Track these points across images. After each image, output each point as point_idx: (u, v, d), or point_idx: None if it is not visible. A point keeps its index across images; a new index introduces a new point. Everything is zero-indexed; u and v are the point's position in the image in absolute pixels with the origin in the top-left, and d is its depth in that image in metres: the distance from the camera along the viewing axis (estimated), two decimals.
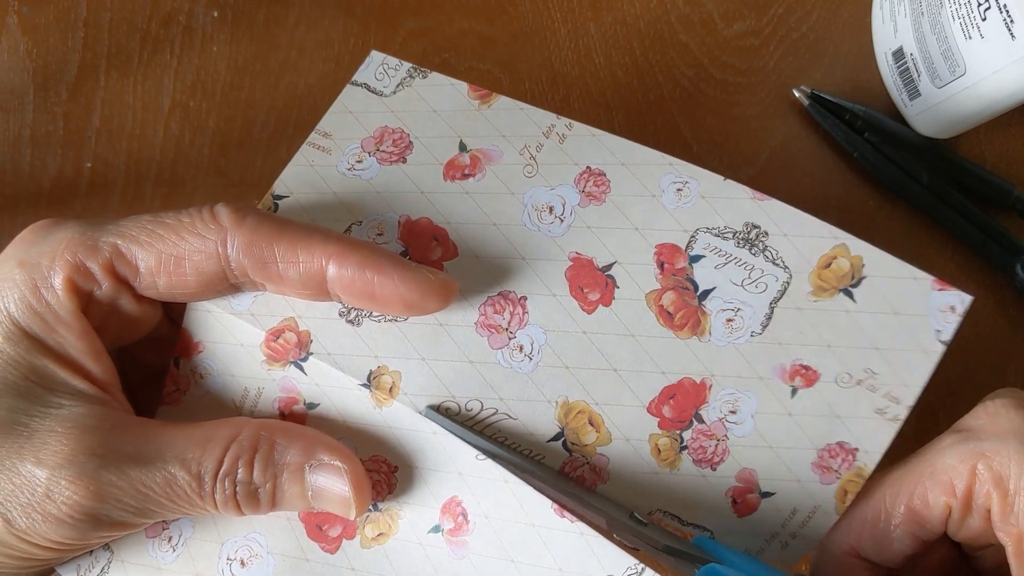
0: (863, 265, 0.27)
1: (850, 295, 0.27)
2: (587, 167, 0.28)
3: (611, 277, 0.27)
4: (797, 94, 0.38)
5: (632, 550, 0.24)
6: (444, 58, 0.39)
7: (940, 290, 0.27)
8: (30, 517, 0.23)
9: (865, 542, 0.26)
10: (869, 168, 0.38)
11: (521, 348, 0.27)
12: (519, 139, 0.29)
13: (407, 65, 0.30)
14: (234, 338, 0.27)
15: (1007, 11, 0.30)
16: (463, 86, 0.29)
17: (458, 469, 0.26)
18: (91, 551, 0.27)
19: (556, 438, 0.26)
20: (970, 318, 0.38)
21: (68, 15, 0.39)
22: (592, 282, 0.27)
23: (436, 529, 0.26)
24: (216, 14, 0.39)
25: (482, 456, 0.25)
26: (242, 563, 0.27)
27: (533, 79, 0.39)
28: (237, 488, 0.24)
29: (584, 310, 0.27)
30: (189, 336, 0.27)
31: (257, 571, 0.27)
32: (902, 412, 0.27)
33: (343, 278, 0.25)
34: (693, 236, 0.27)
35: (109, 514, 0.24)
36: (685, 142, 0.38)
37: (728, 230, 0.27)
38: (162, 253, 0.25)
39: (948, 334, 0.27)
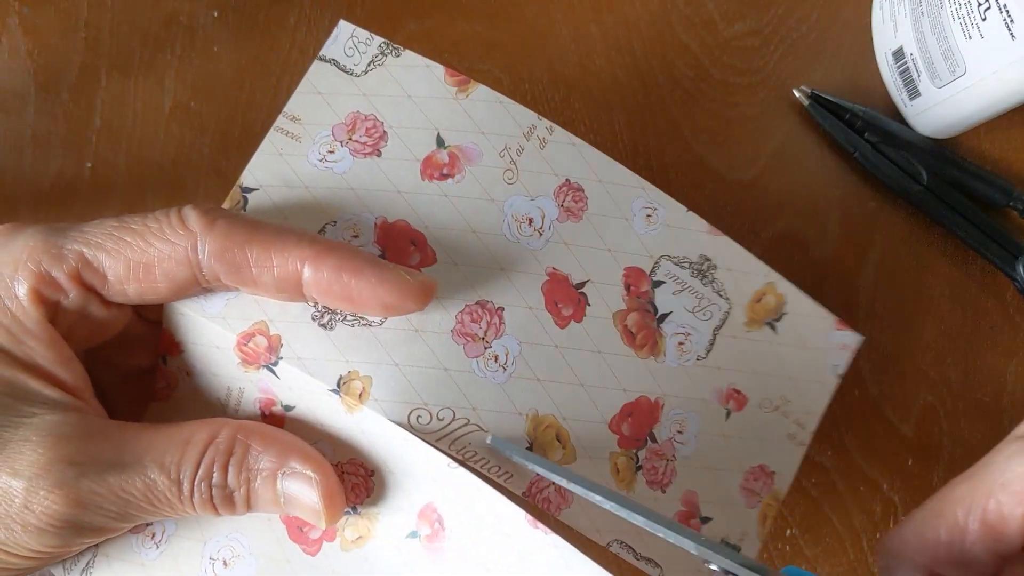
0: (785, 302, 0.30)
1: (773, 328, 0.30)
2: (566, 180, 0.28)
3: (583, 295, 0.28)
4: (797, 94, 0.38)
5: (613, 560, 0.24)
6: (445, 60, 0.39)
7: (839, 329, 0.30)
8: (9, 528, 0.23)
9: (943, 564, 0.25)
10: (869, 168, 0.38)
11: (496, 358, 0.26)
12: (499, 138, 0.28)
13: (378, 40, 0.29)
14: (209, 340, 0.26)
15: (1007, 11, 0.30)
16: (439, 69, 0.29)
17: (432, 476, 0.25)
18: None
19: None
20: (970, 318, 0.38)
21: (69, 16, 0.39)
22: (566, 298, 0.27)
23: (413, 535, 0.26)
24: (217, 15, 0.39)
25: (454, 464, 0.25)
26: (224, 563, 0.27)
27: (534, 81, 0.39)
28: (213, 491, 0.24)
29: (557, 324, 0.27)
30: (170, 335, 0.27)
31: (240, 571, 0.27)
32: (807, 437, 0.30)
33: (319, 281, 0.24)
34: (657, 263, 0.29)
35: (91, 521, 0.24)
36: (685, 142, 0.38)
37: (685, 260, 0.29)
38: (130, 260, 0.24)
39: (843, 368, 0.30)
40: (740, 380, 0.29)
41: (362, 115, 0.28)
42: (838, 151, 0.38)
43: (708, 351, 0.29)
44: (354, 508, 0.26)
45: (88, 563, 0.27)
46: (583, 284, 0.28)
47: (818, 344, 0.30)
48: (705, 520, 0.29)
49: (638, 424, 0.28)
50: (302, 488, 0.24)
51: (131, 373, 0.28)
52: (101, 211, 0.38)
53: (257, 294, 0.26)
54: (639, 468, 0.28)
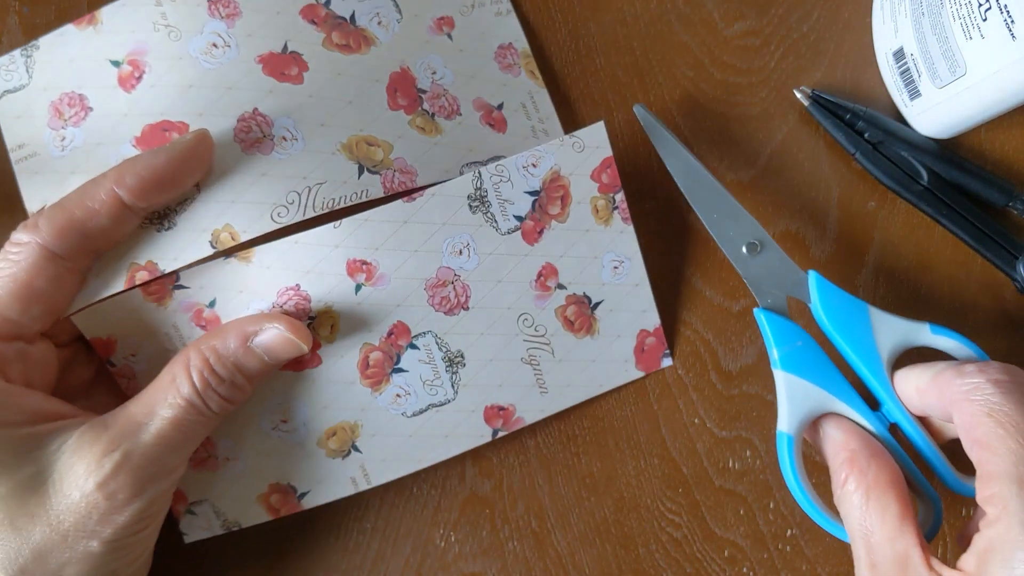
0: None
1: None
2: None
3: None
4: (797, 94, 0.38)
5: None
6: None
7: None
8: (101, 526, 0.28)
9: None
10: (869, 168, 0.38)
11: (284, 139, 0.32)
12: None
13: (17, 50, 0.34)
14: (124, 313, 0.31)
15: (1007, 11, 0.30)
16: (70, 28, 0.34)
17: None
18: None
19: (360, 172, 0.32)
20: (969, 317, 0.38)
21: (69, 15, 0.39)
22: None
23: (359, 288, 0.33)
24: None
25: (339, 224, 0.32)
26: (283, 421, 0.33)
27: None
28: (219, 391, 0.29)
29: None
30: (98, 340, 0.32)
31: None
32: None
33: (132, 192, 0.29)
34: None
35: (153, 478, 0.28)
36: (685, 142, 0.38)
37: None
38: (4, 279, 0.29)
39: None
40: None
41: (55, 99, 0.33)
42: (838, 151, 0.38)
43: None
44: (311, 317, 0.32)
45: None
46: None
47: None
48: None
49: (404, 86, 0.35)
50: (271, 337, 0.30)
51: (90, 384, 0.33)
52: None
53: (113, 240, 0.31)
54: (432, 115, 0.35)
